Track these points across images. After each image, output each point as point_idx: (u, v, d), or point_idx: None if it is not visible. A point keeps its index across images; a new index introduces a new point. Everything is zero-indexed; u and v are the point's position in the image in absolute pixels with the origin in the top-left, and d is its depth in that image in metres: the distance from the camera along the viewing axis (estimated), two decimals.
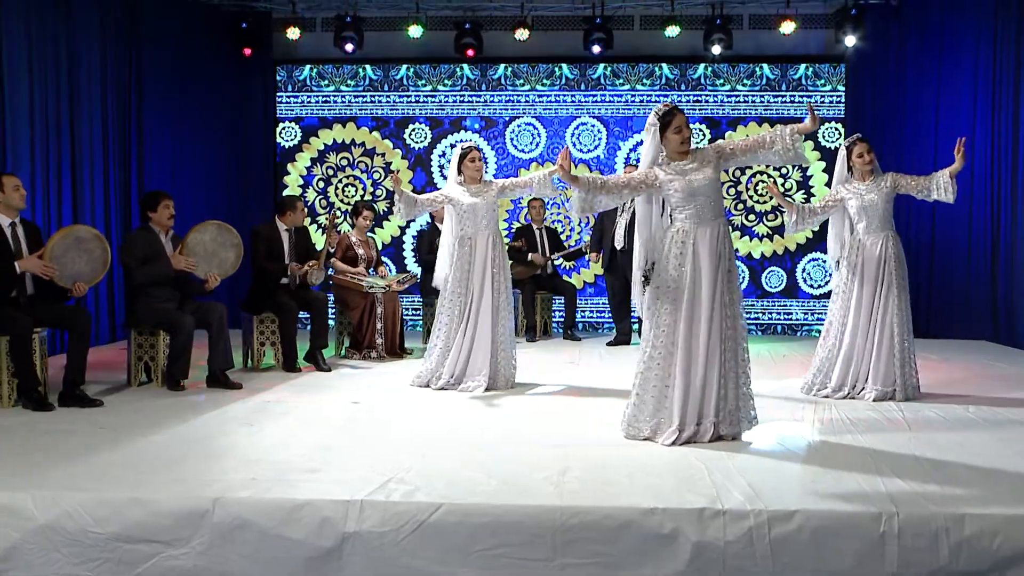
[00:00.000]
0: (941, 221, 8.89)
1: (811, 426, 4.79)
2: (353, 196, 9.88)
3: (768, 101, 9.65)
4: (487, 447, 4.27)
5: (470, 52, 9.36)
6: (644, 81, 9.72)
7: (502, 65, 9.78)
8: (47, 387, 5.29)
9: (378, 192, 9.91)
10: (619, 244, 8.13)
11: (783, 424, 4.78)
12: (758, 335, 9.48)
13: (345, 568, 3.24)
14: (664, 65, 9.70)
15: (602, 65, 9.70)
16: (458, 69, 9.81)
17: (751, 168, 9.48)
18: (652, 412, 4.33)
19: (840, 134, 9.46)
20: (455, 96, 9.86)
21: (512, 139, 9.85)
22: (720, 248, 4.32)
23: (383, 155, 9.91)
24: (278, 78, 9.87)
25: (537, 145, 9.84)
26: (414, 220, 9.33)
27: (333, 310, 7.67)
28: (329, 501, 3.33)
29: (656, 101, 9.61)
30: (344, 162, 9.93)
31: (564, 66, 9.76)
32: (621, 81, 9.74)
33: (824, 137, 9.58)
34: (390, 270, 8.21)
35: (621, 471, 3.78)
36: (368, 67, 9.85)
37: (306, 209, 7.29)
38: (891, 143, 8.96)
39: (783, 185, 9.59)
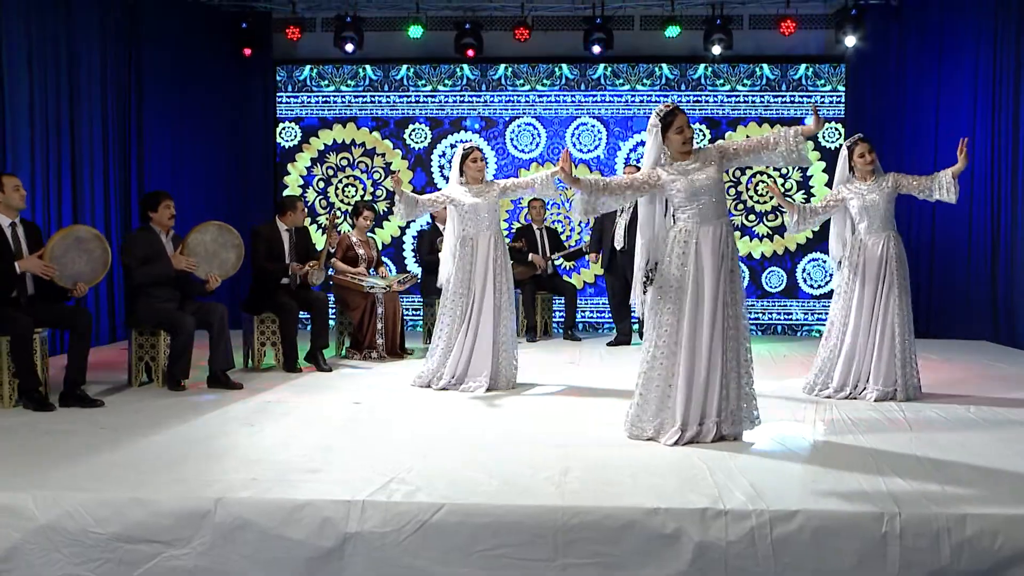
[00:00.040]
0: (941, 221, 8.90)
1: (812, 426, 4.79)
2: (353, 196, 9.88)
3: (768, 101, 9.66)
4: (488, 447, 4.26)
5: (470, 52, 9.36)
6: (644, 81, 9.73)
7: (502, 65, 9.78)
8: (48, 387, 5.29)
9: (378, 192, 9.91)
10: (619, 244, 8.14)
11: (784, 424, 4.77)
12: (758, 335, 9.48)
13: (346, 568, 3.23)
14: (664, 65, 9.71)
15: (602, 65, 9.70)
16: (458, 69, 9.81)
17: (751, 168, 9.48)
18: (655, 412, 4.33)
19: (840, 134, 9.47)
20: (455, 96, 9.86)
21: (512, 139, 9.85)
22: (723, 248, 4.32)
23: (383, 155, 9.91)
24: (278, 78, 9.87)
25: (537, 145, 9.84)
26: (414, 221, 9.33)
27: (333, 310, 7.66)
28: (330, 501, 3.32)
29: (656, 101, 9.62)
30: (344, 162, 9.93)
31: (564, 66, 9.77)
32: (621, 81, 9.74)
33: (824, 137, 9.58)
34: (390, 270, 8.21)
35: (622, 471, 3.78)
36: (368, 67, 9.85)
37: (306, 209, 7.28)
38: (891, 143, 8.96)
39: (783, 185, 9.59)
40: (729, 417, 4.33)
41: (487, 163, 6.45)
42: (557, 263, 9.11)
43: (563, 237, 9.52)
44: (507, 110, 9.84)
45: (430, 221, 8.78)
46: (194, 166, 9.39)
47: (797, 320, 9.74)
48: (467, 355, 5.75)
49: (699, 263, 4.30)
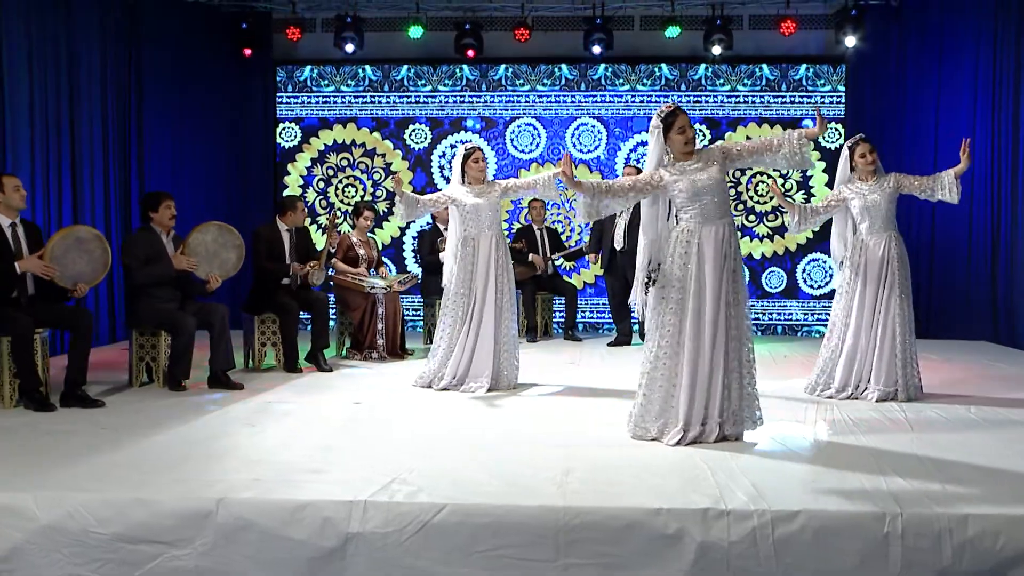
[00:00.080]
0: (941, 221, 8.90)
1: (814, 426, 4.80)
2: (353, 196, 9.88)
3: (768, 102, 9.66)
4: (490, 447, 4.26)
5: (470, 53, 9.36)
6: (644, 81, 9.72)
7: (502, 66, 9.77)
8: (48, 388, 5.29)
9: (378, 193, 9.91)
10: (619, 245, 8.14)
11: (786, 424, 4.77)
12: (758, 336, 9.47)
13: (348, 569, 3.23)
14: (664, 66, 9.70)
15: (602, 65, 9.70)
16: (458, 69, 9.81)
17: (751, 168, 9.48)
18: (659, 412, 4.33)
19: (840, 135, 9.46)
20: (455, 97, 9.85)
21: (512, 139, 9.84)
22: (725, 248, 4.32)
23: (383, 156, 9.90)
24: (278, 78, 9.87)
25: (537, 146, 9.84)
26: (414, 221, 9.34)
27: (334, 311, 7.66)
28: (332, 502, 3.32)
29: (656, 102, 9.62)
30: (344, 163, 9.93)
31: (564, 67, 9.76)
32: (621, 81, 9.74)
33: (824, 138, 9.57)
34: (390, 271, 8.21)
35: (624, 471, 3.78)
36: (368, 68, 9.84)
37: (306, 209, 7.28)
38: (891, 144, 8.96)
39: (783, 185, 9.59)
40: (731, 417, 4.33)
41: (488, 163, 6.45)
42: (557, 263, 9.11)
43: (563, 237, 9.52)
44: (507, 110, 9.84)
45: (430, 222, 8.78)
46: (194, 166, 9.38)
47: (797, 320, 9.74)
48: (468, 356, 5.75)
49: (701, 263, 4.30)
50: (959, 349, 7.94)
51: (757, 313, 9.69)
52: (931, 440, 4.43)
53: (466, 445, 4.31)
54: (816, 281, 9.72)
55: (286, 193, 9.65)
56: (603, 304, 9.47)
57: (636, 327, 8.23)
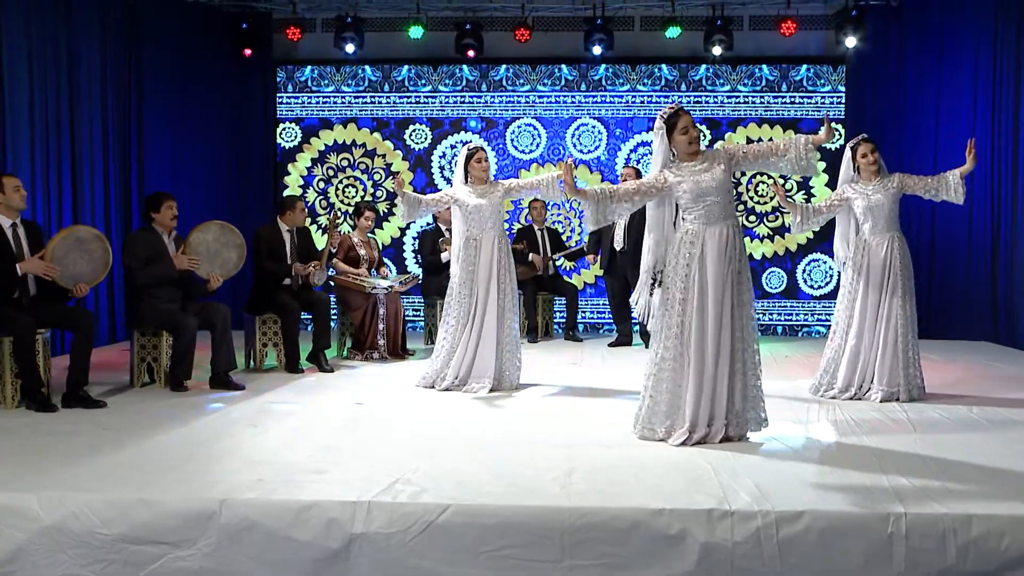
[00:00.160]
0: (941, 221, 8.91)
1: (816, 427, 4.80)
2: (353, 197, 9.87)
3: (768, 102, 9.66)
4: (493, 448, 4.26)
5: (471, 53, 9.36)
6: (644, 82, 9.72)
7: (503, 66, 9.77)
8: (50, 388, 5.28)
9: (378, 193, 9.90)
10: (619, 245, 8.14)
11: (788, 425, 4.77)
12: (758, 336, 9.46)
13: (352, 569, 3.23)
14: (664, 66, 9.70)
15: (602, 66, 9.70)
16: (458, 70, 9.81)
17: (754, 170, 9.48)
18: (666, 413, 4.33)
19: (841, 135, 9.46)
20: (455, 97, 9.85)
21: (512, 140, 9.84)
22: (730, 249, 4.32)
23: (383, 156, 9.90)
24: (278, 79, 9.86)
25: (537, 146, 9.84)
26: (414, 222, 9.34)
27: (335, 311, 7.66)
28: (336, 502, 3.32)
29: (656, 102, 9.63)
30: (344, 163, 9.92)
31: (564, 67, 9.76)
32: (621, 82, 9.74)
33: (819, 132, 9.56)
34: (390, 271, 8.20)
35: (627, 472, 3.78)
36: (368, 68, 9.84)
37: (306, 209, 7.28)
38: (891, 144, 8.95)
39: (783, 185, 9.59)
40: (736, 418, 4.33)
41: (490, 164, 6.43)
42: (558, 263, 9.11)
43: (563, 238, 9.51)
44: (507, 111, 9.83)
45: (431, 222, 8.78)
46: (194, 166, 9.38)
47: (797, 321, 9.74)
48: (471, 356, 5.75)
49: (705, 264, 4.30)
50: (959, 349, 7.95)
51: (757, 313, 9.62)
52: (934, 440, 4.43)
53: (469, 445, 4.31)
54: (816, 281, 9.72)
55: (286, 193, 9.65)
56: (603, 304, 9.47)
57: (636, 328, 8.23)
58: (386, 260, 8.22)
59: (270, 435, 4.52)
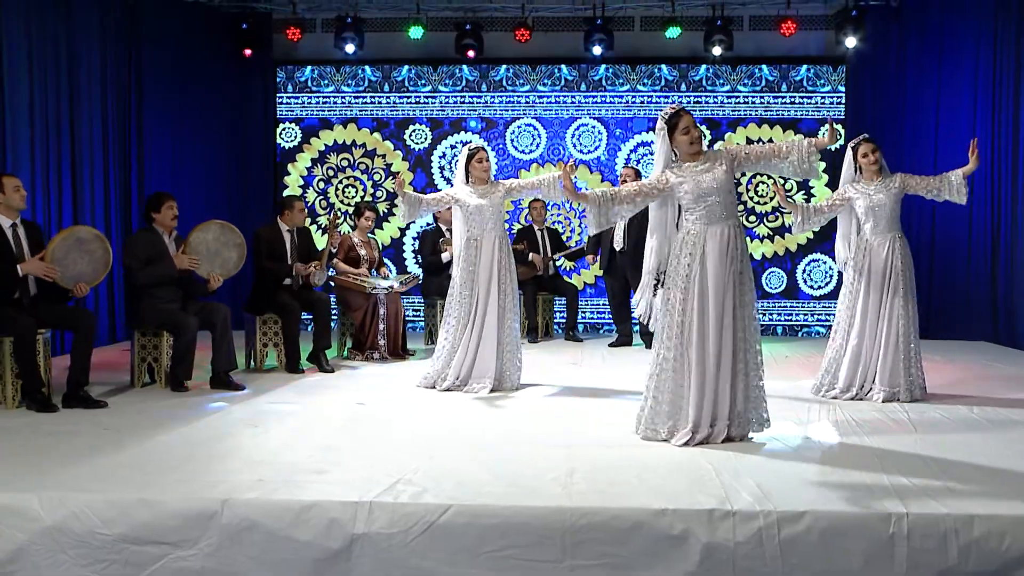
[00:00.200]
0: (941, 221, 8.91)
1: (818, 427, 4.80)
2: (353, 197, 9.87)
3: (768, 102, 9.66)
4: (494, 448, 4.26)
5: (471, 53, 9.35)
6: (644, 82, 9.72)
7: (503, 66, 9.77)
8: (51, 388, 5.27)
9: (378, 193, 9.90)
10: (618, 245, 8.14)
11: (790, 425, 4.77)
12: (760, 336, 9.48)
13: (354, 570, 3.23)
14: (664, 66, 9.70)
15: (602, 66, 9.70)
16: (458, 70, 9.81)
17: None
18: (668, 414, 4.33)
19: (840, 135, 9.45)
20: (455, 97, 9.85)
21: (512, 140, 9.84)
22: (731, 249, 4.32)
23: (383, 156, 9.90)
24: (278, 79, 9.85)
25: (537, 146, 9.84)
26: (414, 222, 9.33)
27: (335, 311, 7.65)
28: (337, 503, 3.32)
29: (656, 102, 9.63)
30: (344, 163, 9.92)
31: (564, 67, 9.76)
32: (621, 82, 9.74)
33: (822, 136, 9.56)
34: (391, 271, 8.20)
35: (629, 472, 3.77)
36: (368, 68, 9.84)
37: (305, 209, 7.27)
38: (891, 144, 8.95)
39: (783, 186, 9.59)
40: (738, 419, 4.33)
41: (492, 164, 6.41)
42: (558, 264, 9.11)
43: (564, 238, 9.51)
44: (507, 111, 9.83)
45: (431, 223, 8.77)
46: (194, 166, 9.38)
47: (797, 321, 9.74)
48: (472, 356, 5.75)
49: (706, 265, 4.30)
50: (959, 350, 7.95)
51: (757, 314, 9.68)
52: (935, 441, 4.43)
53: (470, 446, 4.31)
54: (816, 282, 9.72)
55: (286, 193, 9.64)
56: (603, 305, 9.47)
57: (636, 328, 8.23)
58: (386, 260, 8.22)
59: (271, 435, 4.52)
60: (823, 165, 9.38)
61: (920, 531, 3.20)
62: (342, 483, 3.55)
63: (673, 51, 9.59)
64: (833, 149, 9.12)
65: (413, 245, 9.88)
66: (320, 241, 8.12)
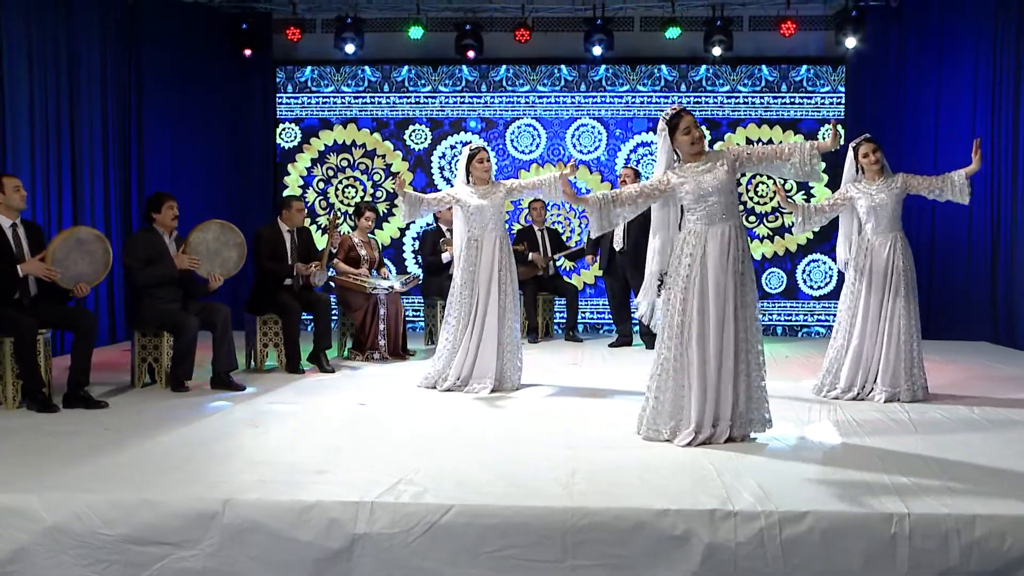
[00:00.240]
0: (941, 221, 8.91)
1: (819, 427, 4.80)
2: (353, 197, 9.87)
3: (768, 102, 9.66)
4: (495, 448, 4.26)
5: (470, 53, 9.35)
6: (644, 82, 9.72)
7: (503, 66, 9.77)
8: (51, 388, 5.27)
9: (378, 194, 9.90)
10: (618, 245, 8.13)
11: (791, 425, 4.77)
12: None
13: (355, 570, 3.23)
14: (664, 66, 9.70)
15: (602, 66, 9.70)
16: (458, 70, 9.81)
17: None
18: (670, 414, 4.33)
19: (841, 136, 9.45)
20: (455, 97, 9.85)
21: (512, 140, 9.84)
22: (733, 250, 4.32)
23: (383, 156, 9.90)
24: (278, 79, 9.85)
25: (537, 146, 9.84)
26: (414, 222, 9.33)
27: (336, 311, 7.65)
28: (339, 503, 3.32)
29: (656, 102, 9.63)
30: (344, 163, 9.92)
31: (564, 67, 9.76)
32: (621, 82, 9.74)
33: (824, 139, 9.56)
34: (391, 271, 8.20)
35: (630, 472, 3.77)
36: (368, 68, 9.83)
37: (304, 209, 7.27)
38: (891, 144, 8.94)
39: (783, 185, 9.59)
40: (740, 419, 4.33)
41: (493, 164, 6.40)
42: (558, 264, 9.11)
43: (564, 238, 9.51)
44: (507, 111, 9.83)
45: (431, 223, 8.77)
46: (194, 166, 9.37)
47: (797, 321, 9.74)
48: (472, 357, 5.75)
49: (707, 265, 4.30)
50: (960, 350, 7.95)
51: (759, 314, 9.68)
52: (936, 441, 4.43)
53: (471, 446, 4.31)
54: (816, 282, 9.72)
55: (285, 193, 9.64)
56: (603, 305, 9.47)
57: (636, 328, 8.23)
58: (386, 260, 8.22)
59: (271, 435, 4.52)
60: (822, 166, 9.39)
61: (921, 531, 3.21)
62: (343, 483, 3.55)
63: (673, 51, 9.59)
64: (834, 151, 9.13)
65: (413, 245, 9.88)
66: (320, 241, 8.12)
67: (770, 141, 9.54)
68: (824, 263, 9.65)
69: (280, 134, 9.90)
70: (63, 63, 7.65)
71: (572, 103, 9.79)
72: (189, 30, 9.19)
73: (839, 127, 4.47)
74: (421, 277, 8.45)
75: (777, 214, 9.65)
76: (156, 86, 8.91)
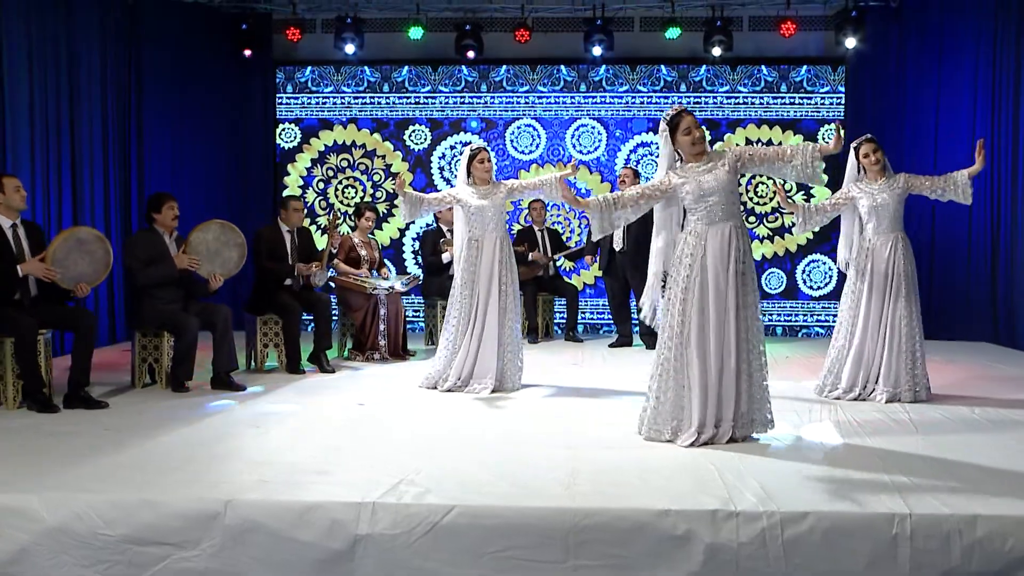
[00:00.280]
0: (941, 221, 8.91)
1: (820, 428, 4.79)
2: (353, 198, 9.87)
3: (768, 103, 9.66)
4: (496, 449, 4.26)
5: (470, 54, 9.35)
6: (644, 83, 9.72)
7: (502, 67, 9.77)
8: (52, 389, 5.27)
9: (378, 194, 9.89)
10: (618, 246, 8.13)
11: (793, 426, 4.77)
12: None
13: (357, 570, 3.23)
14: (664, 67, 9.70)
15: (602, 67, 9.70)
16: (458, 71, 9.80)
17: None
18: (671, 414, 4.33)
19: (842, 138, 9.44)
20: (455, 98, 9.84)
21: (512, 141, 9.84)
22: (733, 250, 4.32)
23: (383, 157, 9.89)
24: (278, 79, 9.85)
25: (537, 147, 9.84)
26: (413, 222, 9.33)
27: (336, 311, 7.65)
28: (340, 503, 3.31)
29: (656, 103, 9.63)
30: (344, 163, 9.92)
31: (564, 68, 9.76)
32: (621, 82, 9.74)
33: (824, 139, 9.58)
34: (391, 272, 8.20)
35: (631, 473, 3.77)
36: (368, 69, 9.83)
37: (304, 209, 7.27)
38: (891, 144, 8.93)
39: (783, 186, 9.58)
40: (742, 419, 4.33)
41: (494, 164, 6.39)
42: (558, 264, 9.11)
43: (564, 238, 9.51)
44: (507, 111, 9.83)
45: (431, 223, 8.77)
46: (194, 166, 9.37)
47: (797, 322, 9.74)
48: (473, 357, 5.75)
49: (708, 265, 4.30)
50: (960, 350, 7.95)
51: (760, 315, 9.68)
52: (937, 441, 4.43)
53: (472, 446, 4.30)
54: (816, 282, 9.73)
55: (285, 194, 9.64)
56: (603, 305, 9.47)
57: (636, 329, 8.23)
58: (386, 261, 8.22)
59: (272, 436, 4.51)
60: (822, 166, 9.39)
61: (923, 532, 3.20)
62: (344, 484, 3.54)
63: (673, 52, 9.59)
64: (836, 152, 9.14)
65: (413, 246, 9.88)
66: (320, 241, 8.11)
67: (770, 141, 9.54)
68: (824, 263, 9.65)
69: (280, 134, 9.89)
70: (63, 63, 7.65)
71: (572, 103, 9.79)
72: (189, 30, 9.19)
73: (841, 130, 4.46)
74: (421, 277, 8.45)
75: (777, 214, 9.65)
76: (156, 86, 8.91)
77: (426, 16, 9.45)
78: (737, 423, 4.31)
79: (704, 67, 9.65)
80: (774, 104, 9.66)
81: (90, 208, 7.97)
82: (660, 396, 4.35)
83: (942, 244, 8.97)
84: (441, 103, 9.84)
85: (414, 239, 9.86)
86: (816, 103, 9.61)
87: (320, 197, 9.92)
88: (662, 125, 4.42)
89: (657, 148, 4.60)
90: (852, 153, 5.67)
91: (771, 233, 9.72)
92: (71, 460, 3.92)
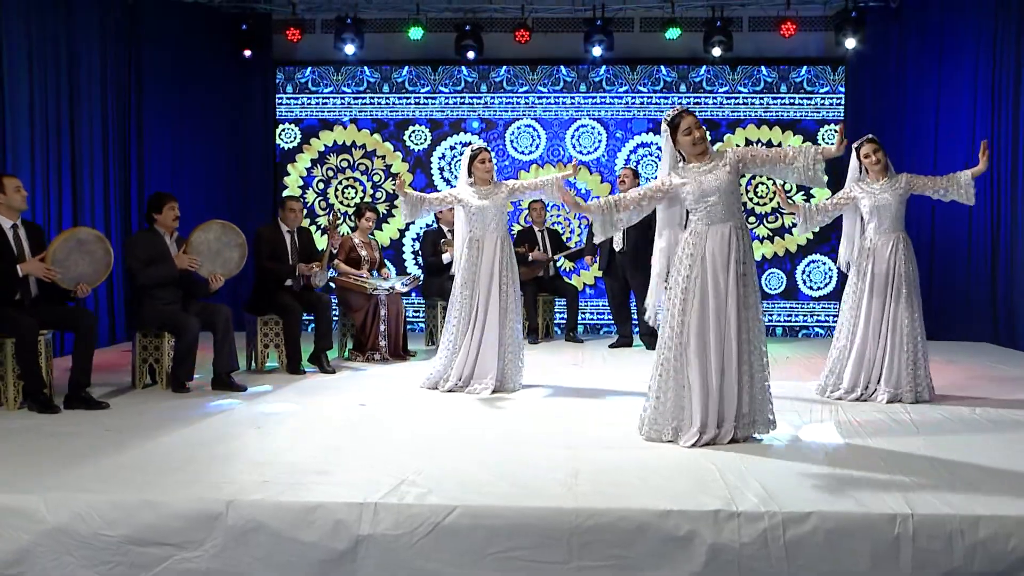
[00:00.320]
0: (941, 221, 8.91)
1: (822, 428, 4.79)
2: (353, 198, 9.86)
3: (768, 103, 9.67)
4: (497, 449, 4.25)
5: (470, 54, 9.35)
6: (644, 83, 9.72)
7: (502, 67, 9.77)
8: (52, 389, 5.26)
9: (378, 194, 9.89)
10: (618, 246, 8.13)
11: (793, 426, 4.77)
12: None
13: (359, 571, 3.23)
14: (664, 67, 9.70)
15: (602, 67, 9.70)
16: (458, 71, 9.80)
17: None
18: (672, 414, 4.33)
19: (845, 141, 9.44)
20: (455, 98, 9.84)
21: (512, 141, 9.84)
22: (733, 250, 4.31)
23: (383, 157, 9.89)
24: (278, 79, 9.84)
25: (537, 147, 9.83)
26: (413, 223, 9.33)
27: (336, 312, 7.65)
28: (343, 504, 3.31)
29: (656, 103, 9.63)
30: (344, 164, 9.91)
31: (564, 68, 9.76)
32: (621, 83, 9.74)
33: (824, 140, 9.58)
34: (391, 272, 8.20)
35: (633, 473, 3.77)
36: (368, 69, 9.83)
37: (303, 209, 7.26)
38: (891, 144, 8.84)
39: (783, 185, 9.58)
40: (743, 420, 4.33)
41: (495, 164, 6.39)
42: (559, 264, 9.11)
43: (564, 238, 9.51)
44: (507, 112, 9.83)
45: (431, 223, 8.77)
46: (194, 166, 9.37)
47: (797, 322, 9.75)
48: (473, 357, 5.75)
49: (707, 265, 4.30)
50: (960, 350, 7.95)
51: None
52: (938, 442, 4.43)
53: (473, 446, 4.30)
54: (816, 283, 9.73)
55: (284, 194, 9.63)
56: (603, 306, 9.46)
57: (636, 329, 8.23)
58: (386, 261, 8.21)
59: (273, 436, 4.51)
60: (824, 168, 9.38)
61: (926, 532, 3.20)
62: (346, 484, 3.54)
63: (673, 52, 9.58)
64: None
65: (413, 246, 9.88)
66: (320, 242, 8.11)
67: (769, 142, 9.55)
68: (824, 264, 9.65)
69: (280, 134, 9.89)
70: (63, 63, 7.64)
71: (572, 104, 9.79)
72: (189, 30, 9.19)
73: (843, 127, 4.45)
74: (422, 278, 8.45)
75: (777, 215, 9.65)
76: (156, 86, 8.90)
77: (426, 16, 9.45)
78: (739, 423, 4.31)
79: (704, 67, 9.65)
80: (774, 104, 9.66)
81: (90, 208, 7.97)
82: (660, 396, 4.35)
83: (942, 244, 8.97)
84: (441, 103, 9.84)
85: (414, 239, 9.86)
86: (816, 103, 9.61)
87: (320, 197, 9.92)
88: (663, 126, 4.42)
89: (657, 148, 4.60)
90: (853, 153, 5.66)
91: (771, 233, 9.72)
92: (72, 461, 3.92)
